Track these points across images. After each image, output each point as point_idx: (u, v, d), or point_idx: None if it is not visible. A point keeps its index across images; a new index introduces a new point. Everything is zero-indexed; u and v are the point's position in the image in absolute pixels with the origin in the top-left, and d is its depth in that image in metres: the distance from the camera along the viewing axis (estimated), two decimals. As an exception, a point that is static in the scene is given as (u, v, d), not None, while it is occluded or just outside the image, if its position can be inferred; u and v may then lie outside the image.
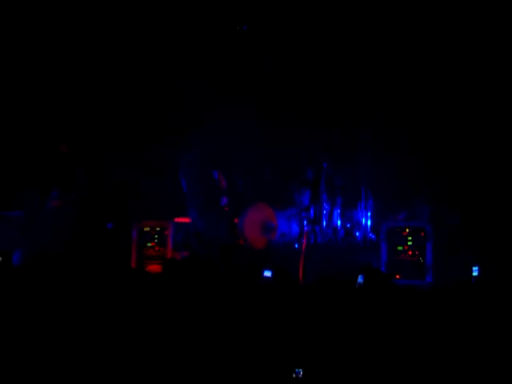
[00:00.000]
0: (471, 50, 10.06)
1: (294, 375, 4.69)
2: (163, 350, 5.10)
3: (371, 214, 10.78)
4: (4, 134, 10.87)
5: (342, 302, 5.76)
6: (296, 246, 10.59)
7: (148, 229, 10.21)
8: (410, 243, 9.24)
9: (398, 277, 9.12)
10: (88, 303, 5.77)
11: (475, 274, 7.82)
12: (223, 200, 10.03)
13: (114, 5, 10.76)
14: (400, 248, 9.26)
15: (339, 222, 10.92)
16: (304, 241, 9.81)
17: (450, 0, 9.98)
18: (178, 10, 10.82)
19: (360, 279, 5.94)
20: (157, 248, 10.11)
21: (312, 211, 10.26)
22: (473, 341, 4.86)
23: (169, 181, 11.25)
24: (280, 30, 10.90)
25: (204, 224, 9.56)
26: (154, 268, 9.57)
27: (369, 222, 10.78)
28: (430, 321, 5.20)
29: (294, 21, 10.78)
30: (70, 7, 10.68)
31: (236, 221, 10.49)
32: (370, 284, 5.98)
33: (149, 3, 10.78)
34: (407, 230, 9.29)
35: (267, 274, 6.92)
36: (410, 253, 9.20)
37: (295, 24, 10.82)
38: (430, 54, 10.32)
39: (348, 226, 10.96)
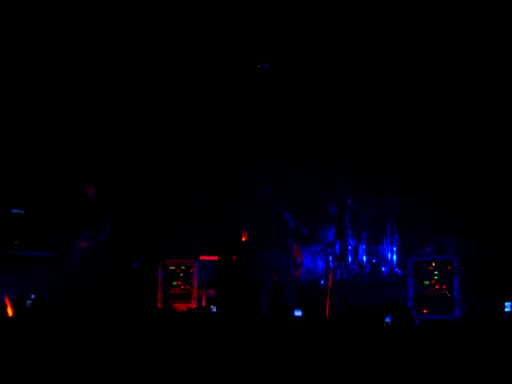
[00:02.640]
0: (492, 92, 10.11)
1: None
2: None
3: (397, 249, 10.74)
4: (31, 175, 11.00)
5: (368, 340, 5.72)
6: (322, 282, 10.56)
7: (173, 267, 10.22)
8: (436, 277, 9.15)
9: (425, 311, 9.04)
10: (115, 343, 5.78)
11: (508, 309, 7.69)
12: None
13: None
14: (427, 282, 9.18)
15: (365, 258, 10.88)
16: (330, 277, 9.76)
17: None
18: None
19: (388, 319, 5.91)
20: (182, 286, 10.11)
21: (337, 247, 10.23)
22: (504, 377, 4.80)
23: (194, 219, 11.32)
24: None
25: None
26: (180, 306, 9.56)
27: (394, 257, 10.73)
28: (460, 358, 5.14)
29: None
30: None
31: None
32: (397, 322, 5.94)
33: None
34: (433, 264, 9.22)
35: (297, 313, 7.02)
36: (437, 287, 9.11)
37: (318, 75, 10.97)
38: (453, 96, 10.37)
39: (374, 261, 10.92)
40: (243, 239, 9.66)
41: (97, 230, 9.43)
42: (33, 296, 7.73)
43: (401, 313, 6.21)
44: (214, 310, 7.56)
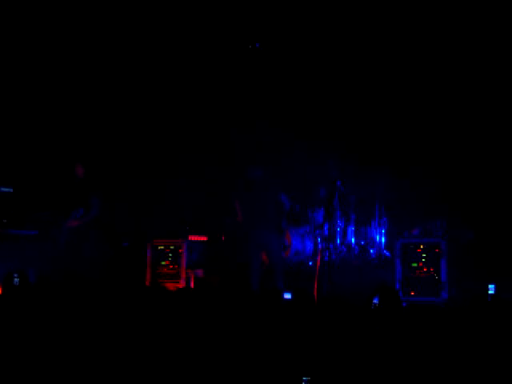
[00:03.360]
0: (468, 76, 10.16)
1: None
2: (178, 366, 5.11)
3: (385, 231, 10.78)
4: (21, 154, 10.97)
5: (356, 320, 5.75)
6: (310, 263, 10.59)
7: (162, 247, 10.22)
8: (424, 260, 9.19)
9: (412, 293, 9.08)
10: (102, 319, 5.80)
11: (491, 292, 7.76)
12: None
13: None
14: (414, 265, 9.20)
15: (353, 240, 10.92)
16: (318, 258, 9.78)
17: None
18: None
19: (375, 300, 5.93)
20: (171, 266, 10.11)
21: (326, 228, 10.25)
22: (490, 359, 4.84)
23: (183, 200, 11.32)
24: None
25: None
26: (169, 286, 9.57)
27: (383, 239, 10.77)
28: (446, 340, 5.18)
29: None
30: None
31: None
32: (384, 304, 5.96)
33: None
34: (421, 247, 9.24)
35: (287, 296, 7.05)
36: (425, 269, 9.15)
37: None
38: (443, 85, 10.40)
39: (362, 243, 10.96)
40: (237, 219, 9.66)
41: (85, 209, 9.42)
42: (16, 275, 7.72)
43: (388, 295, 6.23)
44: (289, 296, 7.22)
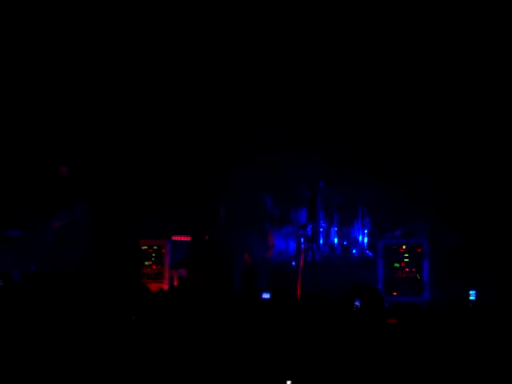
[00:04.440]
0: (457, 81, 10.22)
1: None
2: (163, 366, 5.13)
3: (368, 232, 10.82)
4: (4, 154, 10.93)
5: (338, 320, 5.79)
6: (293, 263, 10.62)
7: (145, 247, 10.22)
8: (406, 260, 9.23)
9: (395, 293, 9.12)
10: (87, 319, 5.80)
11: (472, 298, 7.79)
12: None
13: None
14: (397, 265, 9.25)
15: (336, 240, 10.95)
16: (301, 258, 9.82)
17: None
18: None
19: (357, 302, 5.96)
20: (154, 266, 10.11)
21: (309, 229, 10.29)
22: (469, 361, 4.88)
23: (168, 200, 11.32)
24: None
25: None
26: (152, 287, 9.58)
27: (366, 240, 10.81)
28: (427, 340, 5.22)
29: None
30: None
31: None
32: (367, 305, 6.00)
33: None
34: (404, 247, 9.28)
35: (266, 295, 7.05)
36: (407, 269, 9.19)
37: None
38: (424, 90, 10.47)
39: (345, 243, 11.00)
40: (220, 220, 9.68)
41: (69, 210, 9.42)
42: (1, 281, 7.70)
43: (371, 295, 6.27)
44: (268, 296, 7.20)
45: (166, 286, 9.95)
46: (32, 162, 10.83)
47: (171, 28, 10.82)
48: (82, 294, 6.72)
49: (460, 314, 5.72)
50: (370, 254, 10.64)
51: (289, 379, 4.78)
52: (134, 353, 5.25)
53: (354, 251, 10.87)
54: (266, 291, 7.08)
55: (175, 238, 10.61)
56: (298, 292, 8.89)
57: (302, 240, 10.34)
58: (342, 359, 5.08)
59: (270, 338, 5.37)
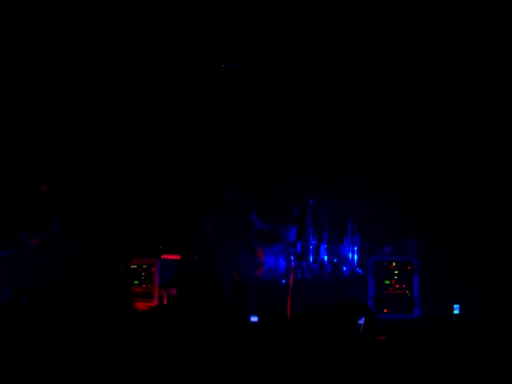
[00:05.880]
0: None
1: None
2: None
3: (358, 249, 10.82)
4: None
5: (330, 337, 5.76)
6: (283, 281, 10.59)
7: (135, 266, 10.18)
8: (396, 277, 9.24)
9: (385, 310, 9.12)
10: (77, 340, 5.76)
11: (456, 312, 7.83)
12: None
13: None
14: (387, 282, 9.26)
15: (326, 257, 10.94)
16: (291, 276, 9.81)
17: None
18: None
19: (361, 321, 5.89)
20: (144, 285, 10.08)
21: (299, 246, 10.27)
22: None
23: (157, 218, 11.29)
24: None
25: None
26: (141, 306, 9.53)
27: (355, 257, 10.80)
28: (414, 358, 5.21)
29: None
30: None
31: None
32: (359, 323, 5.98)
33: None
34: (394, 264, 9.29)
35: (253, 319, 7.01)
36: (398, 286, 9.20)
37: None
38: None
39: (335, 260, 10.98)
40: (208, 238, 9.67)
41: (43, 227, 9.40)
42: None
43: (365, 313, 6.25)
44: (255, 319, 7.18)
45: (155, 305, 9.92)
46: (20, 180, 10.78)
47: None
48: (66, 312, 6.67)
49: (443, 328, 5.71)
50: (359, 271, 10.63)
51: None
52: (122, 370, 5.22)
53: (344, 268, 10.85)
54: (254, 314, 7.03)
55: (165, 256, 10.58)
56: (288, 310, 8.87)
57: (292, 258, 10.33)
58: (334, 377, 5.06)
59: (261, 357, 5.35)
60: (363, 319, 5.96)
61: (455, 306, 7.82)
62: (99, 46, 10.62)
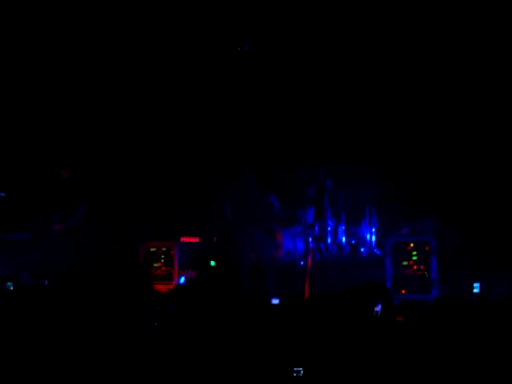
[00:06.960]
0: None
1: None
2: (173, 371, 5.16)
3: (376, 230, 10.83)
4: (8, 157, 10.98)
5: (347, 319, 5.81)
6: (301, 262, 10.64)
7: (154, 249, 10.26)
8: (414, 258, 9.25)
9: (403, 291, 9.14)
10: (98, 323, 5.83)
11: (476, 290, 7.84)
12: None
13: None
14: (405, 263, 9.27)
15: (344, 239, 10.97)
16: (309, 258, 9.85)
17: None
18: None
19: (377, 308, 5.89)
20: (163, 268, 10.16)
21: (317, 228, 10.31)
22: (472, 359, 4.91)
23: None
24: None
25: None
26: (161, 288, 9.62)
27: (373, 238, 10.83)
28: (436, 338, 5.24)
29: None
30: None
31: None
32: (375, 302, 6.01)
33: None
34: (412, 245, 9.31)
35: (275, 301, 7.08)
36: (415, 267, 9.22)
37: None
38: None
39: (353, 242, 11.01)
40: (227, 221, 9.73)
41: (68, 213, 9.49)
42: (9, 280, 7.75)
43: (381, 293, 6.27)
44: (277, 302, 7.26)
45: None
46: (34, 165, 10.88)
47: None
48: (87, 297, 6.75)
49: (463, 309, 5.74)
50: (378, 252, 10.66)
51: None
52: (140, 354, 5.28)
53: (361, 250, 10.89)
54: (275, 297, 7.09)
55: (184, 239, 10.65)
56: (306, 291, 8.92)
57: (310, 239, 10.37)
58: (352, 358, 5.10)
59: (279, 339, 5.40)
60: (380, 306, 5.97)
61: (475, 285, 7.81)
62: (113, 40, 10.71)
